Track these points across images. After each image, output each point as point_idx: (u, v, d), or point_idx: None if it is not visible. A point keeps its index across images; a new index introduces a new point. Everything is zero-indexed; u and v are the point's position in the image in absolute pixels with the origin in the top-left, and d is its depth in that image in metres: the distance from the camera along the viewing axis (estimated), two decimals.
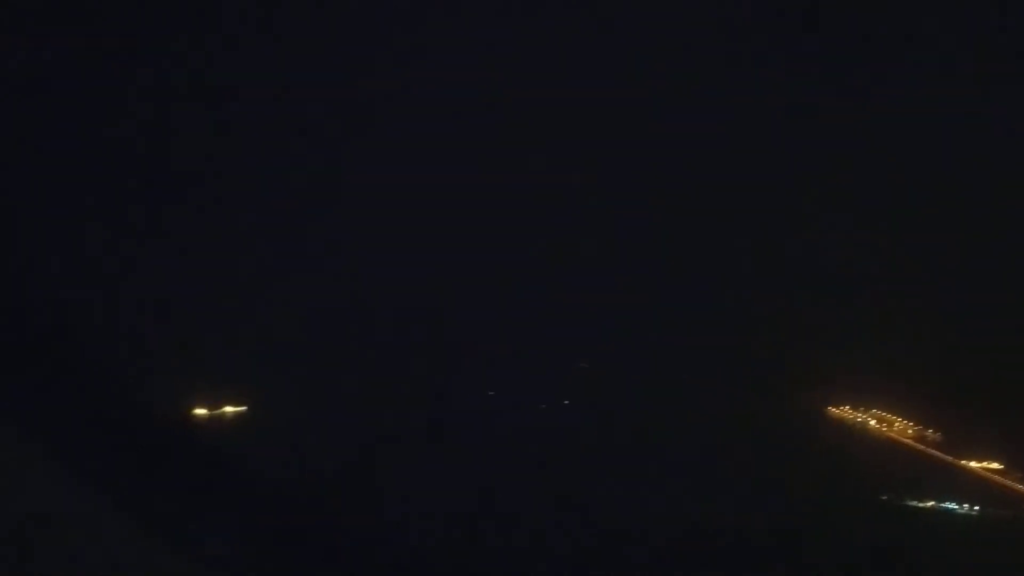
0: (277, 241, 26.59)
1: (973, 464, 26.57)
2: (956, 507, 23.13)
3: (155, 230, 23.98)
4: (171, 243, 24.03)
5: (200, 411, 22.86)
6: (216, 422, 23.21)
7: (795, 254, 37.73)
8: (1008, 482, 25.20)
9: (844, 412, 31.98)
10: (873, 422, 30.99)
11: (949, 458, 27.22)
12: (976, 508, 23.14)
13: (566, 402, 32.10)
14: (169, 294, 23.47)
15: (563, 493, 22.57)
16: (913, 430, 29.69)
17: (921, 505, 23.13)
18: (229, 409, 23.54)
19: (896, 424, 30.34)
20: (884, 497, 23.29)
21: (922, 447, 28.66)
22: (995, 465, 26.19)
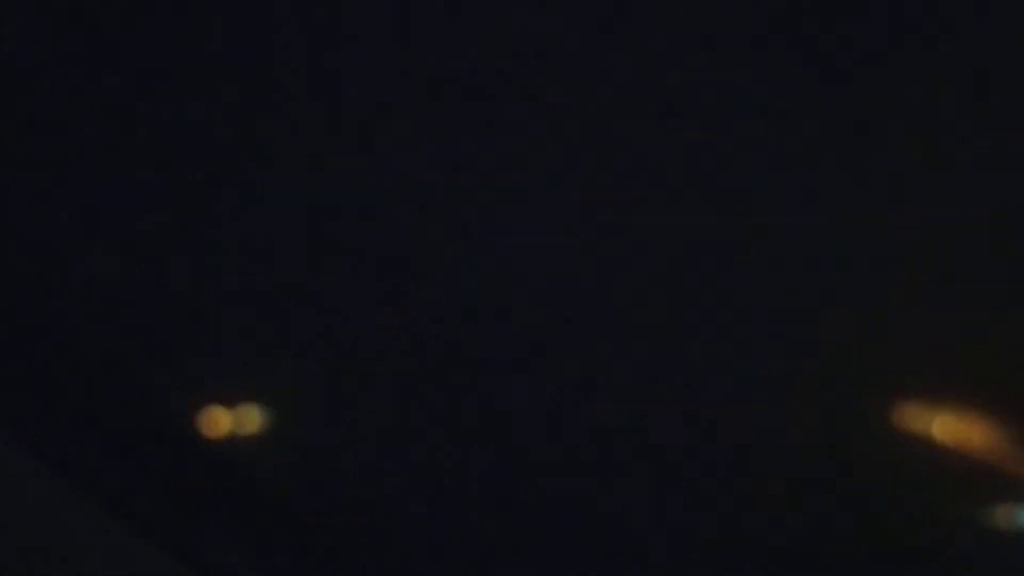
0: (300, 238, 26.64)
1: None
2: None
3: (180, 223, 24.11)
4: (190, 239, 24.11)
5: (215, 407, 23.00)
6: (232, 424, 23.28)
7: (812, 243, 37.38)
8: None
9: None
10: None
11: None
12: None
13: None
14: (186, 290, 23.49)
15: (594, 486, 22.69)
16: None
17: None
18: (245, 408, 23.63)
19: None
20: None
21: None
22: None
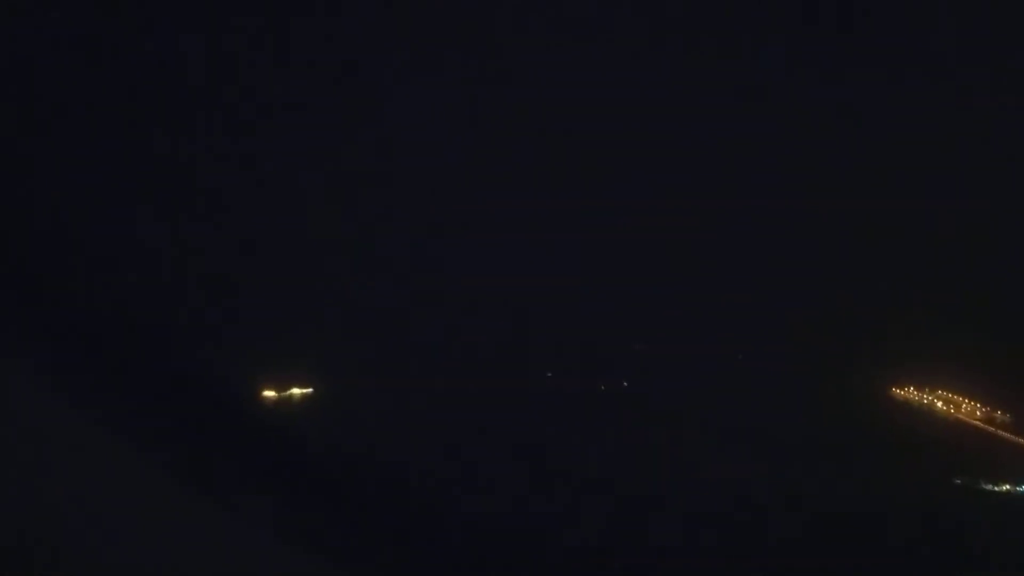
0: (344, 231, 26.70)
1: None
2: None
3: (227, 218, 24.22)
4: (240, 231, 24.27)
5: (269, 393, 23.07)
6: (284, 404, 23.42)
7: (852, 234, 37.21)
8: None
9: (908, 393, 31.46)
10: (939, 403, 30.44)
11: (1022, 440, 26.69)
12: None
13: (625, 384, 31.96)
14: (239, 281, 23.70)
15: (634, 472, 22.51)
16: (981, 411, 29.11)
17: (997, 489, 22.68)
18: (296, 391, 23.72)
19: (963, 405, 29.76)
20: (958, 481, 22.88)
21: (992, 428, 28.10)
22: None
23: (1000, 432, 28.01)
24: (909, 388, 32.01)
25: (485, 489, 21.40)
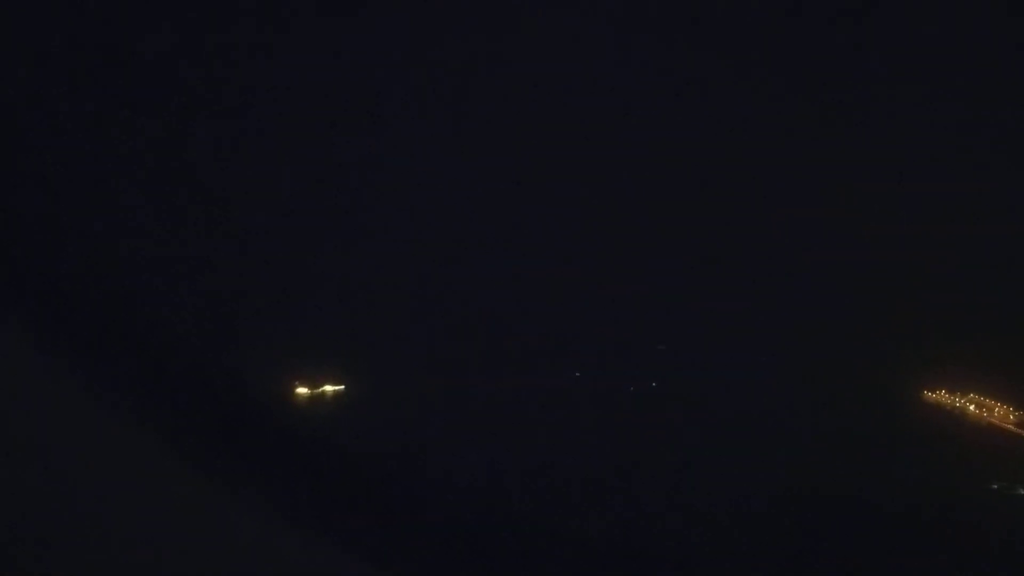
0: (377, 229, 26.89)
1: None
2: None
3: (259, 214, 24.41)
4: (272, 231, 24.49)
5: (302, 390, 23.16)
6: (317, 401, 23.53)
7: (887, 239, 37.01)
8: None
9: (940, 397, 31.21)
10: (972, 407, 30.17)
11: None
12: None
13: (653, 384, 31.88)
14: (270, 279, 23.87)
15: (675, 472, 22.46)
16: (1015, 415, 28.82)
17: None
18: (329, 388, 23.81)
19: (996, 409, 29.49)
20: (995, 486, 22.66)
21: None
22: None
23: None
24: (941, 391, 31.78)
25: (518, 491, 21.41)
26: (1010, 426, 28.96)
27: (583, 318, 33.38)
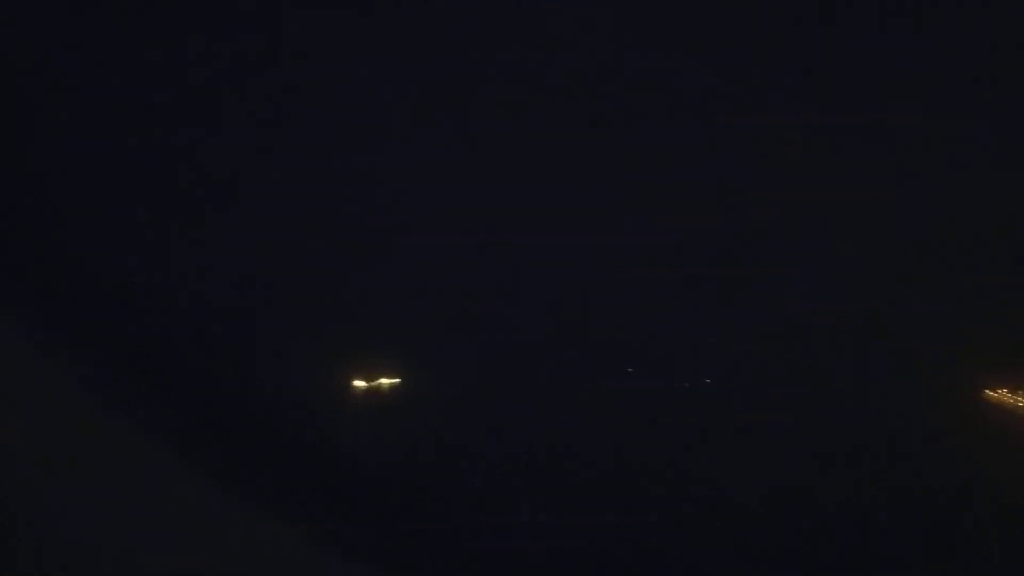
0: (433, 219, 27.06)
1: None
2: None
3: (318, 204, 24.75)
4: (330, 222, 24.76)
5: (359, 383, 23.46)
6: (373, 394, 23.80)
7: (943, 233, 36.26)
8: None
9: (1002, 396, 30.56)
10: None
11: None
12: None
13: (707, 380, 31.65)
14: (327, 271, 24.18)
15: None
16: None
17: None
18: (385, 381, 24.07)
19: None
20: None
21: None
22: None
23: None
24: (1003, 390, 31.13)
25: (572, 493, 21.38)
26: None
27: (636, 313, 33.25)
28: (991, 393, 31.44)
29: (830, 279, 37.27)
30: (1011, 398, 31.01)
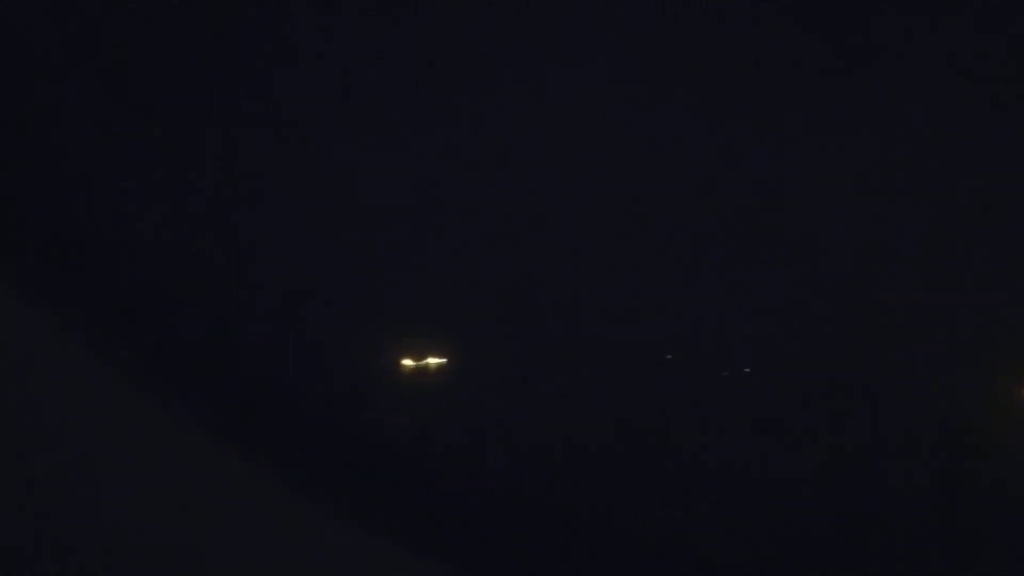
0: (485, 199, 26.81)
1: None
2: None
3: (371, 181, 24.54)
4: (378, 197, 24.55)
5: (407, 362, 23.31)
6: (420, 373, 23.65)
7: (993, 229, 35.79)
8: None
9: None
10: None
11: None
12: None
13: (747, 370, 31.32)
14: (377, 246, 24.00)
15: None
16: None
17: None
18: (432, 361, 23.92)
19: None
20: None
21: None
22: None
23: None
24: None
25: (615, 480, 21.27)
26: None
27: (677, 297, 32.92)
28: None
29: (870, 271, 36.88)
30: None
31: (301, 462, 15.34)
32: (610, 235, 32.19)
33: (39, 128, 18.69)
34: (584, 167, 31.43)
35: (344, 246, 23.21)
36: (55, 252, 15.87)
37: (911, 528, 19.75)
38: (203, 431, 13.78)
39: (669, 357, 34.10)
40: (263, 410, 16.84)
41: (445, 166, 25.18)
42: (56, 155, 18.76)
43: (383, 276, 24.02)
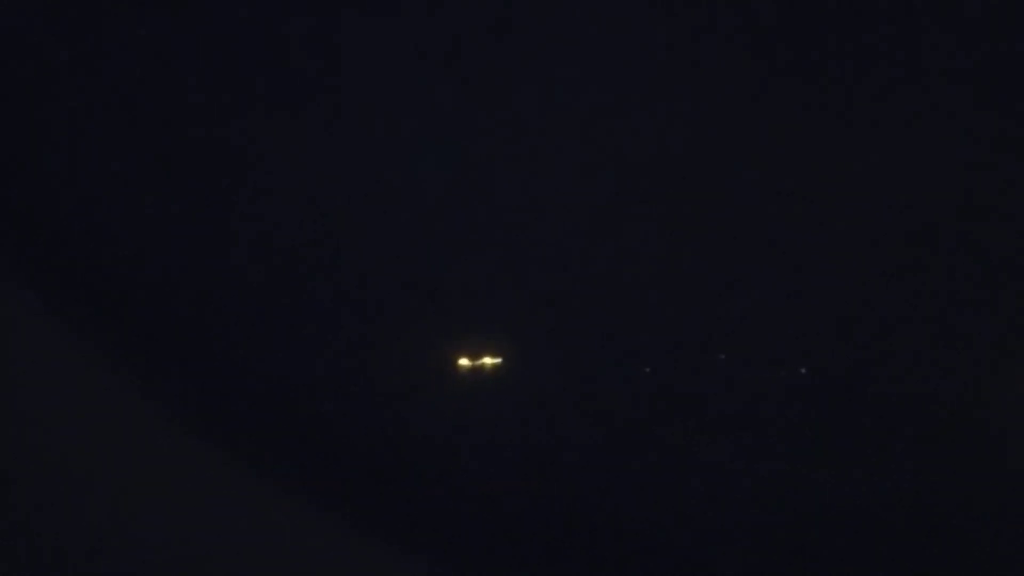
0: (548, 191, 26.15)
1: None
2: None
3: (431, 174, 23.93)
4: (435, 191, 23.88)
5: (463, 362, 22.72)
6: (476, 373, 23.10)
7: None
8: None
9: None
10: None
11: None
12: None
13: (803, 371, 30.51)
14: (437, 241, 23.40)
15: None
16: None
17: None
18: (488, 360, 23.30)
19: None
20: None
21: None
22: None
23: None
24: None
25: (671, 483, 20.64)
26: None
27: (733, 293, 32.16)
28: None
29: (924, 263, 35.88)
30: None
31: (331, 467, 15.03)
32: (680, 234, 31.59)
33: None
34: (640, 175, 30.83)
35: (410, 249, 22.67)
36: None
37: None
38: (224, 431, 13.41)
39: (723, 356, 33.45)
40: (310, 412, 16.46)
41: (511, 172, 24.61)
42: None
43: (449, 278, 23.51)
